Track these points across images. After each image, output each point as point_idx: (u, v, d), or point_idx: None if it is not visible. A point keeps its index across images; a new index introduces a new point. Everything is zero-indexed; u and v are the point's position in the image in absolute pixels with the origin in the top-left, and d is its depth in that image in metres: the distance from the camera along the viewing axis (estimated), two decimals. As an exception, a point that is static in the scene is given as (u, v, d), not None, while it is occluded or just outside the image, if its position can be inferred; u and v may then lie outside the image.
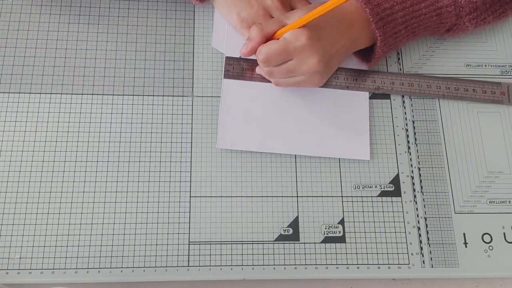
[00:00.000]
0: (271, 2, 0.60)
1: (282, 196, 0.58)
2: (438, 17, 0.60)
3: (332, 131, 0.60)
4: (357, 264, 0.56)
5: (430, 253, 0.57)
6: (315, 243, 0.56)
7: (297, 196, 0.58)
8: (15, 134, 0.58)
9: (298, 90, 0.61)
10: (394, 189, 0.59)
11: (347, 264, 0.56)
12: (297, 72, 0.57)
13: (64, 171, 0.57)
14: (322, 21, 0.55)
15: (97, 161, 0.58)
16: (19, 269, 0.53)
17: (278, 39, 0.56)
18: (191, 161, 0.58)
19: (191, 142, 0.59)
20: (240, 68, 0.62)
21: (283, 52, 0.55)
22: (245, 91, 0.61)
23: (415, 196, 0.59)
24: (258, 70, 0.61)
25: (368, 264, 0.56)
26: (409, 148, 0.61)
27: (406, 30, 0.59)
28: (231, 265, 0.55)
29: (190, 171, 0.58)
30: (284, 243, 0.56)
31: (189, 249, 0.55)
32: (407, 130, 0.62)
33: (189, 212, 0.57)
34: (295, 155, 0.60)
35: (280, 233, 0.57)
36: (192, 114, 0.61)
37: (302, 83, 0.59)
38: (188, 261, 0.55)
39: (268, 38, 0.57)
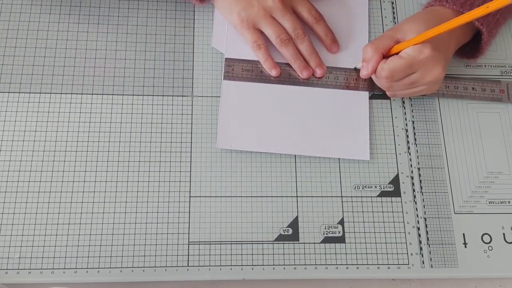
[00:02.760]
0: (272, 3, 0.60)
1: (282, 196, 0.58)
2: None
3: (332, 131, 0.60)
4: (357, 264, 0.56)
5: (430, 253, 0.57)
6: (314, 243, 0.56)
7: (297, 196, 0.58)
8: (15, 134, 0.58)
9: (298, 91, 0.61)
10: (393, 189, 0.59)
11: (346, 264, 0.56)
12: (419, 83, 0.57)
13: (63, 171, 0.57)
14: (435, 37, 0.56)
15: (97, 161, 0.58)
16: (18, 269, 0.53)
17: (394, 54, 0.57)
18: (190, 161, 0.58)
19: (191, 142, 0.59)
20: (240, 69, 0.62)
21: (408, 67, 0.55)
22: (245, 92, 0.61)
23: (414, 196, 0.59)
24: (373, 78, 0.60)
25: (367, 264, 0.56)
26: (408, 148, 0.61)
27: (501, 16, 0.60)
28: (231, 265, 0.55)
29: (190, 171, 0.58)
30: (283, 243, 0.56)
31: (188, 249, 0.55)
32: (406, 130, 0.62)
33: (189, 212, 0.57)
34: (295, 155, 0.60)
35: (279, 233, 0.57)
36: (192, 114, 0.61)
37: (422, 92, 0.59)
38: (188, 261, 0.55)
39: (383, 54, 0.58)
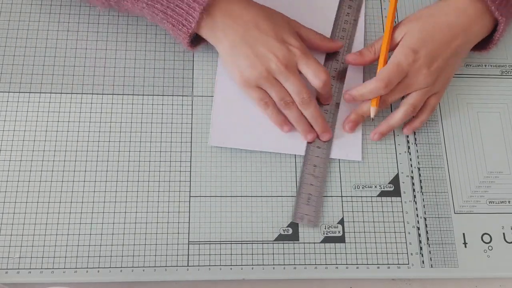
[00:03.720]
0: (275, 66, 0.56)
1: (282, 196, 0.58)
2: None
3: None
4: (357, 264, 0.56)
5: (430, 253, 0.57)
6: (314, 243, 0.56)
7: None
8: (15, 134, 0.58)
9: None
10: (393, 189, 0.59)
11: (346, 264, 0.56)
12: (413, 88, 0.58)
13: (63, 171, 0.57)
14: (430, 28, 0.56)
15: (97, 161, 0.58)
16: (18, 269, 0.53)
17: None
18: (190, 161, 0.58)
19: (191, 142, 0.59)
20: None
21: (398, 70, 0.56)
22: (238, 91, 0.60)
23: (414, 196, 0.59)
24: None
25: (367, 264, 0.56)
26: (409, 148, 0.61)
27: None
28: (231, 265, 0.55)
29: (190, 171, 0.58)
30: (283, 243, 0.56)
31: (188, 249, 0.55)
32: (407, 130, 0.62)
33: (189, 212, 0.57)
34: (295, 155, 0.59)
35: (279, 233, 0.57)
36: (192, 114, 0.60)
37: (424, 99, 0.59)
38: (188, 261, 0.55)
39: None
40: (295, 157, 0.60)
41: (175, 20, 0.56)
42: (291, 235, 0.56)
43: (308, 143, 0.60)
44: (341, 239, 0.57)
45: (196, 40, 0.59)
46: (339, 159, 0.60)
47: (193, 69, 0.62)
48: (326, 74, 0.57)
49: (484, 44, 0.61)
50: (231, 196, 0.58)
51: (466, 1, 0.58)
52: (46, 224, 0.55)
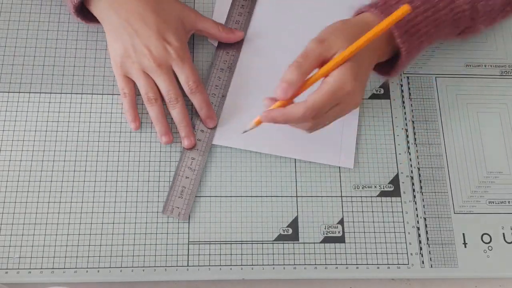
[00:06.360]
0: (148, 62, 0.55)
1: (282, 196, 0.58)
2: (454, 22, 0.57)
3: (318, 136, 0.58)
4: (357, 264, 0.56)
5: (430, 253, 0.57)
6: (314, 243, 0.56)
7: (297, 196, 0.58)
8: (14, 134, 0.58)
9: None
10: (393, 189, 0.59)
11: (346, 264, 0.56)
12: (342, 114, 0.53)
13: (63, 171, 0.57)
14: (357, 55, 0.49)
15: (97, 161, 0.58)
16: (18, 269, 0.53)
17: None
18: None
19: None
20: None
21: (333, 100, 0.49)
22: (248, 92, 0.61)
23: (414, 196, 0.59)
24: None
25: (367, 264, 0.56)
26: (408, 148, 0.61)
27: (426, 39, 0.56)
28: (231, 265, 0.55)
29: (190, 171, 0.58)
30: (283, 243, 0.56)
31: (188, 249, 0.55)
32: (406, 130, 0.62)
33: (189, 211, 0.57)
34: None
35: (279, 233, 0.57)
36: (192, 114, 0.60)
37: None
38: (188, 261, 0.55)
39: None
40: (295, 158, 0.60)
41: None
42: (291, 235, 0.56)
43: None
44: (341, 239, 0.57)
45: (91, 14, 0.59)
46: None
47: (193, 69, 0.62)
48: (197, 82, 0.57)
49: (388, 70, 0.58)
50: (231, 196, 0.58)
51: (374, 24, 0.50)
52: (46, 224, 0.55)
